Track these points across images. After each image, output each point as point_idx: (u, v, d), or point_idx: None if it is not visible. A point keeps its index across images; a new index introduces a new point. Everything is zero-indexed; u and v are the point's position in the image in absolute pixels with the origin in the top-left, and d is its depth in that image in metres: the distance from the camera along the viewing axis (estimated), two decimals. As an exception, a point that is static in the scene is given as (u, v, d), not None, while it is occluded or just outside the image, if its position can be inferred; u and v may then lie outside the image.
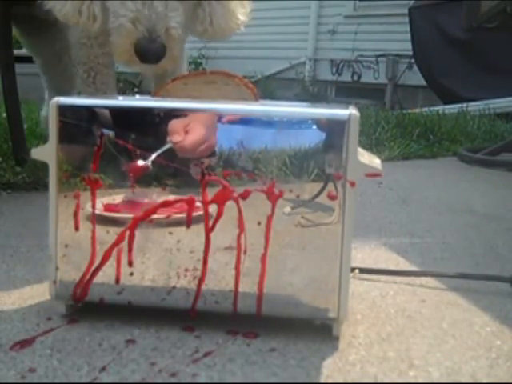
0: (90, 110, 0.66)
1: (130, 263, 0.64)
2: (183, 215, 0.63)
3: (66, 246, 0.65)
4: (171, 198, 0.64)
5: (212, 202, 0.62)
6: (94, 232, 0.64)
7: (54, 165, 0.64)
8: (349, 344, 0.63)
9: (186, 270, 0.64)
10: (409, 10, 4.54)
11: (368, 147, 2.02)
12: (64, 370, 0.56)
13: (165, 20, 0.97)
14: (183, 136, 0.64)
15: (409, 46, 4.65)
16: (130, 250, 0.64)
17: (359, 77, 5.83)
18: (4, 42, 1.34)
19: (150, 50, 0.97)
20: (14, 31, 1.53)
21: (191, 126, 0.65)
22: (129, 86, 5.14)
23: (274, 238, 0.62)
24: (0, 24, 1.33)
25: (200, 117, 0.66)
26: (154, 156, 0.64)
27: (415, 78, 5.00)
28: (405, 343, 0.64)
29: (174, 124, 0.65)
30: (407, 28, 4.57)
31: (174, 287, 0.64)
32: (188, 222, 0.63)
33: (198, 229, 0.63)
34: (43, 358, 0.58)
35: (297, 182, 0.62)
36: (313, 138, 0.63)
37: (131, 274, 0.65)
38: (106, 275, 0.65)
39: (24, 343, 0.61)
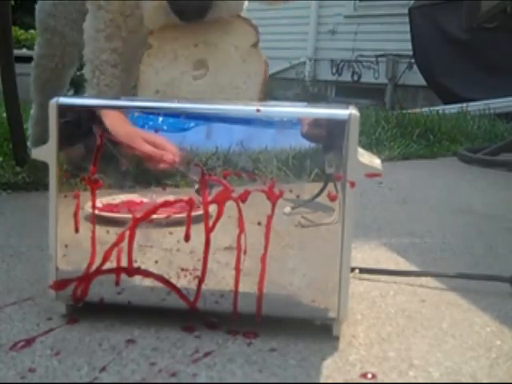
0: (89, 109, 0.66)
1: (130, 264, 0.64)
2: (183, 215, 0.63)
3: (66, 246, 0.65)
4: (171, 197, 0.64)
5: (212, 202, 0.62)
6: (94, 232, 0.64)
7: (54, 165, 0.64)
8: (349, 344, 0.63)
9: (186, 269, 0.64)
10: (409, 10, 4.54)
11: (368, 147, 2.01)
12: (64, 369, 0.56)
13: None
14: (162, 150, 0.64)
15: (409, 45, 4.65)
16: (130, 251, 0.64)
17: (359, 77, 5.83)
18: (4, 42, 1.34)
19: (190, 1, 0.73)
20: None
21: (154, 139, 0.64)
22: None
23: (274, 238, 0.62)
24: (0, 24, 1.33)
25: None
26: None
27: (415, 77, 5.01)
28: (405, 343, 0.64)
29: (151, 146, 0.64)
30: (407, 28, 4.57)
31: (174, 287, 0.64)
32: (188, 227, 0.63)
33: (198, 229, 0.63)
34: (43, 357, 0.58)
35: (297, 181, 0.62)
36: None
37: (131, 274, 0.65)
38: (105, 275, 0.65)
39: (24, 343, 0.61)
